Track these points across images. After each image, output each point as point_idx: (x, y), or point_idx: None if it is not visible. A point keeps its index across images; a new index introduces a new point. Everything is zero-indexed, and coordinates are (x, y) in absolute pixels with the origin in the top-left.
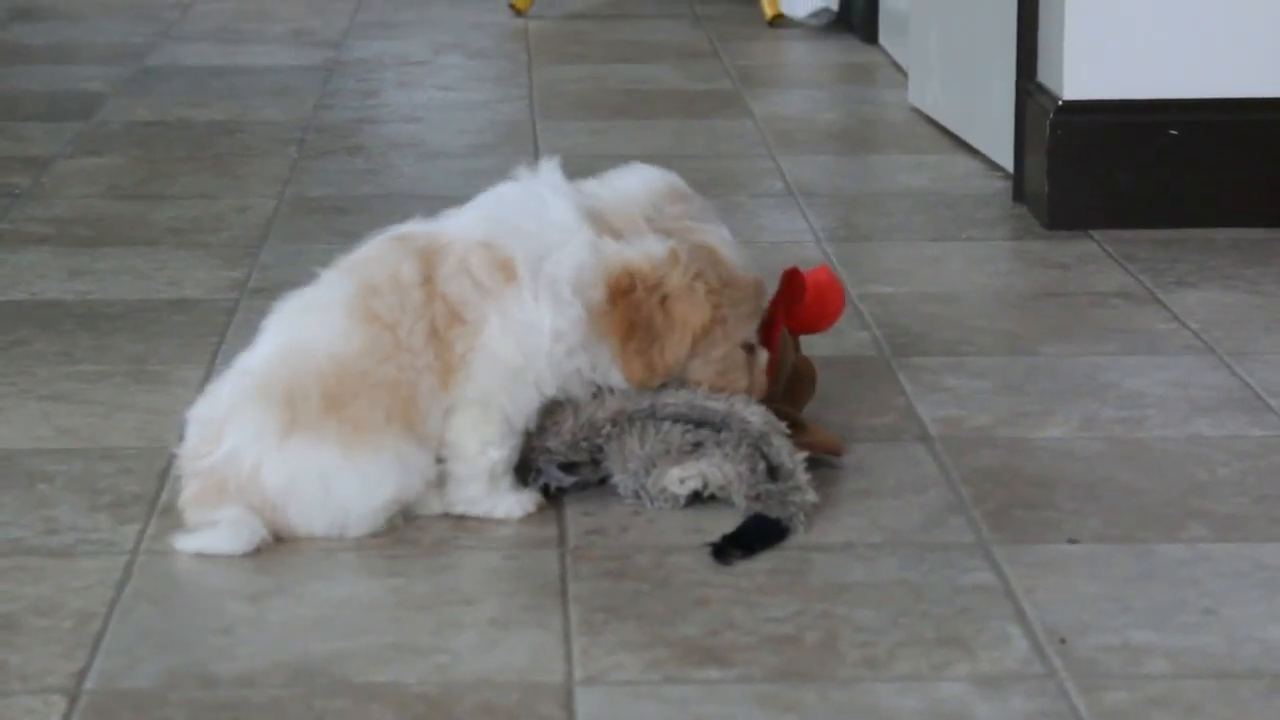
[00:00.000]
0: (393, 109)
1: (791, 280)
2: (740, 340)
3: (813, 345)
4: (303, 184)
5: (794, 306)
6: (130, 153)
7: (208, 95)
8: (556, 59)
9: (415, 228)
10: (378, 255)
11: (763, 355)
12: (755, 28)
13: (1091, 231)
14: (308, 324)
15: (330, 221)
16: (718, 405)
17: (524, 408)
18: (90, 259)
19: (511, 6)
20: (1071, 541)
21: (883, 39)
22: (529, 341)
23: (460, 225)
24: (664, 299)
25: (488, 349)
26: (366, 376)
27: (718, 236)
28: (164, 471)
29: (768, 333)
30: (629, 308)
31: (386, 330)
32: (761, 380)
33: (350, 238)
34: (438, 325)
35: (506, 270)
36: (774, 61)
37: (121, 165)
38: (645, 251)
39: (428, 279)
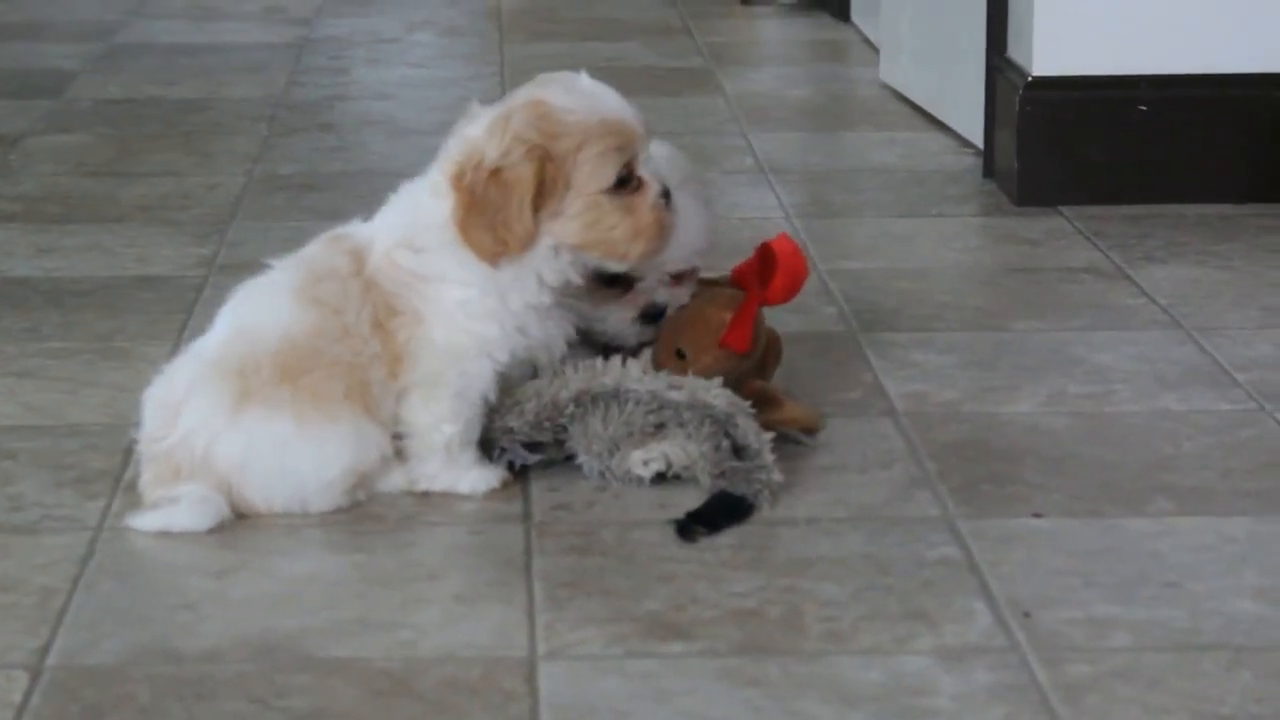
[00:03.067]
0: (364, 86)
1: (765, 255)
2: (600, 186)
3: (782, 322)
4: (273, 161)
5: (770, 281)
6: (100, 130)
7: (178, 73)
8: (528, 36)
9: (347, 229)
10: (316, 252)
11: (651, 190)
12: (727, 5)
13: (1061, 207)
14: (258, 309)
15: (300, 199)
16: (679, 395)
17: (478, 381)
18: (58, 236)
19: None
20: (1036, 516)
21: (855, 16)
22: (461, 320)
23: (379, 225)
24: (492, 172)
25: (428, 336)
26: (321, 354)
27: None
28: (130, 448)
29: (742, 307)
30: (462, 193)
31: (334, 314)
32: (650, 219)
33: (320, 215)
34: (379, 317)
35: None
36: (746, 39)
37: (91, 143)
38: (466, 138)
39: (358, 273)
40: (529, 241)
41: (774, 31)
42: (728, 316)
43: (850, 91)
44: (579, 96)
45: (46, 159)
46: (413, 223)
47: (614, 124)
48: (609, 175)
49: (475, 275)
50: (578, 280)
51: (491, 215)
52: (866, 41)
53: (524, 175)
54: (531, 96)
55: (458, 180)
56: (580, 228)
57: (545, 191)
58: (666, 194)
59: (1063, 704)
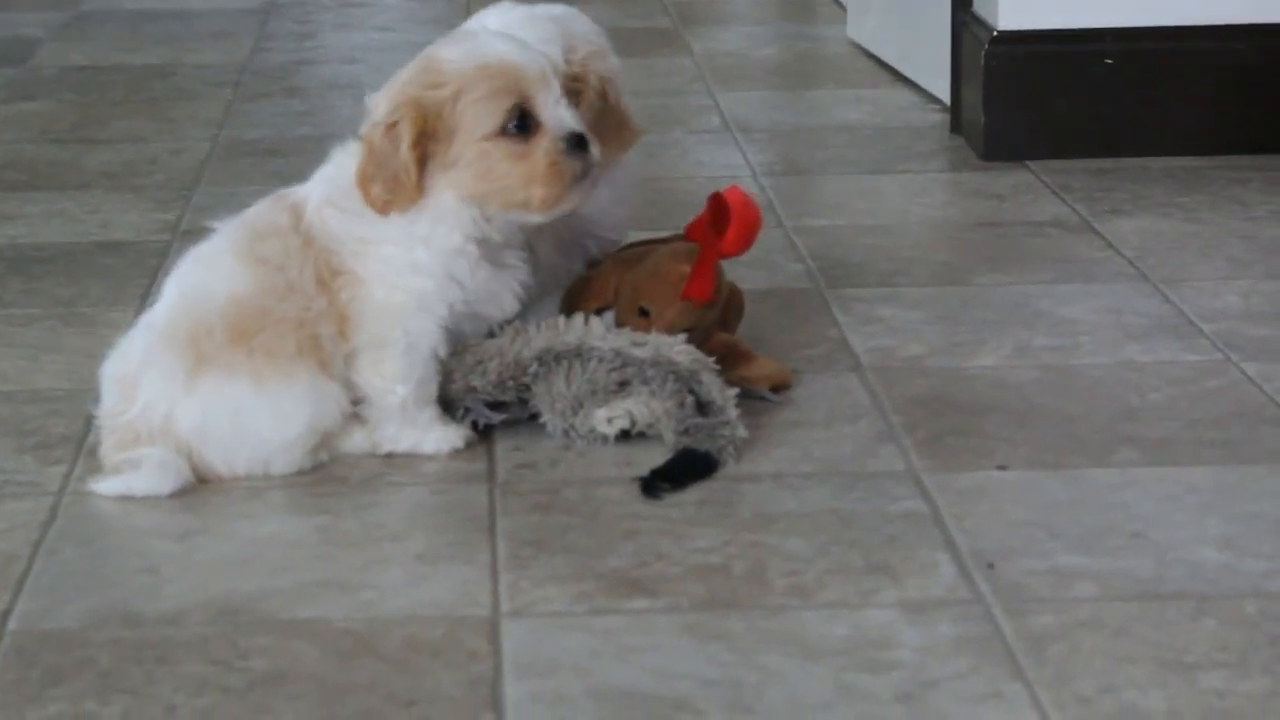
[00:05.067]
0: (330, 50)
1: (717, 205)
2: (484, 132)
3: (748, 278)
4: (238, 126)
5: (725, 231)
6: (64, 97)
7: (144, 39)
8: None
9: (288, 190)
10: (257, 211)
11: (547, 134)
12: None
13: (1027, 162)
14: (201, 272)
15: (264, 163)
16: (642, 352)
17: (424, 338)
18: (21, 203)
19: None
20: (1001, 468)
21: None
22: (394, 278)
23: (313, 183)
24: (385, 126)
25: (369, 296)
26: (269, 313)
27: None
28: (91, 414)
29: (700, 258)
30: (364, 147)
31: (277, 271)
32: (543, 164)
33: (285, 179)
34: (322, 274)
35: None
36: None
37: (55, 110)
38: (373, 101)
39: (297, 229)
40: (414, 191)
41: None
42: (687, 269)
43: (818, 49)
44: (466, 46)
45: (10, 127)
46: (337, 181)
47: (495, 68)
48: (491, 121)
49: (397, 232)
50: (497, 235)
51: (384, 167)
52: None
53: (404, 128)
54: (423, 53)
55: (364, 136)
56: (472, 176)
57: (428, 141)
58: (578, 140)
59: (1027, 655)
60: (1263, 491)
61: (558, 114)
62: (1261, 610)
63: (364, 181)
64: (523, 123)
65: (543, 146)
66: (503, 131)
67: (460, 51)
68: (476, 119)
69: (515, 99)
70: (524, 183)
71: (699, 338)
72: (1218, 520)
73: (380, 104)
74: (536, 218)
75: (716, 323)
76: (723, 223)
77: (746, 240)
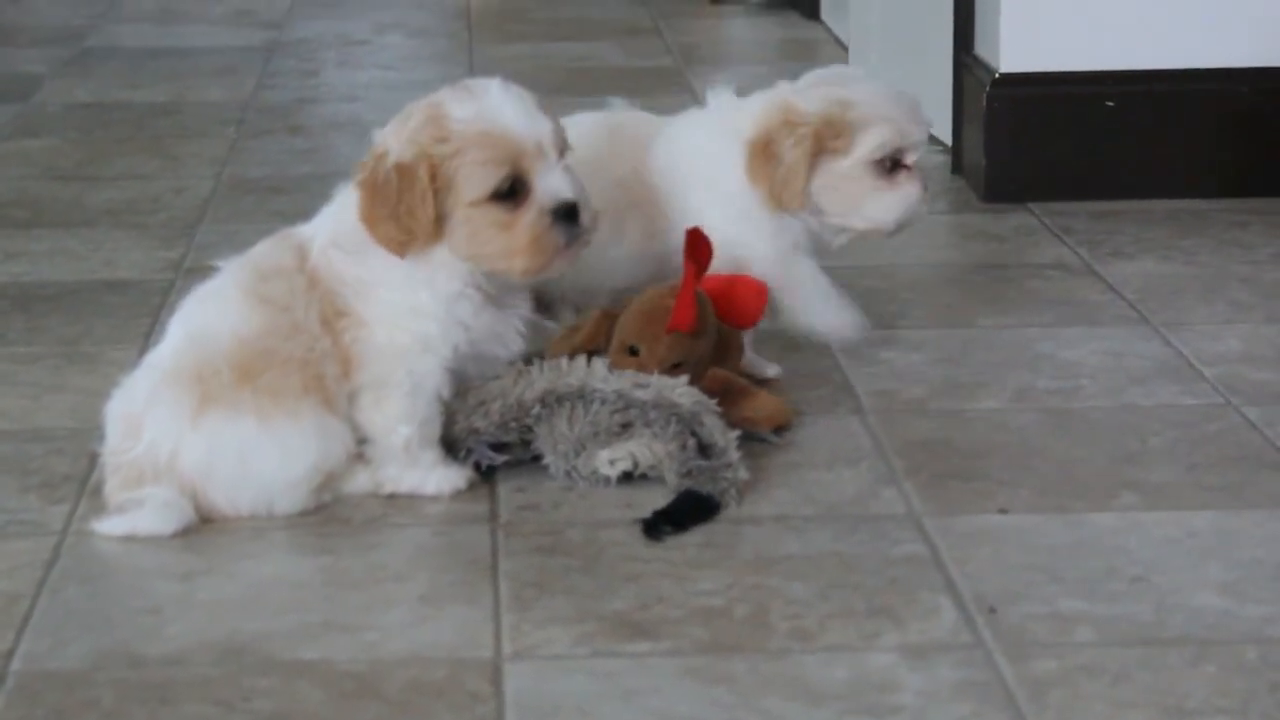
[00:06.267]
0: (333, 88)
1: (693, 237)
2: (472, 197)
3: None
4: (241, 164)
5: (704, 262)
6: (68, 134)
7: (147, 76)
8: (498, 37)
9: (292, 230)
10: (262, 250)
11: (533, 207)
12: (698, 4)
13: (1029, 204)
14: (206, 311)
15: (267, 201)
16: (644, 394)
17: (428, 379)
18: (26, 241)
19: None
20: (1003, 512)
21: (824, 14)
22: (398, 319)
23: (317, 223)
24: (393, 166)
25: (371, 338)
26: (274, 353)
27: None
28: (95, 452)
29: (680, 290)
30: (364, 186)
31: (282, 312)
32: (525, 238)
33: (287, 217)
34: (327, 314)
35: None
36: (716, 38)
37: (59, 147)
38: (380, 137)
39: (303, 269)
40: (434, 229)
41: (744, 30)
42: (672, 303)
43: None
44: (475, 105)
45: (14, 163)
46: (341, 221)
47: (496, 136)
48: (482, 186)
49: (399, 276)
50: (485, 286)
51: (394, 205)
52: (836, 40)
53: (420, 170)
54: (432, 99)
55: (361, 176)
56: (461, 238)
57: (421, 190)
58: (569, 212)
59: (1028, 700)
60: (1263, 537)
61: (550, 183)
62: (1262, 657)
63: (371, 221)
64: (513, 190)
65: (528, 218)
66: (492, 198)
67: (467, 110)
68: (469, 182)
69: (508, 168)
70: (506, 252)
71: (694, 372)
72: (1218, 565)
73: (388, 143)
74: (520, 283)
75: (712, 358)
76: (700, 253)
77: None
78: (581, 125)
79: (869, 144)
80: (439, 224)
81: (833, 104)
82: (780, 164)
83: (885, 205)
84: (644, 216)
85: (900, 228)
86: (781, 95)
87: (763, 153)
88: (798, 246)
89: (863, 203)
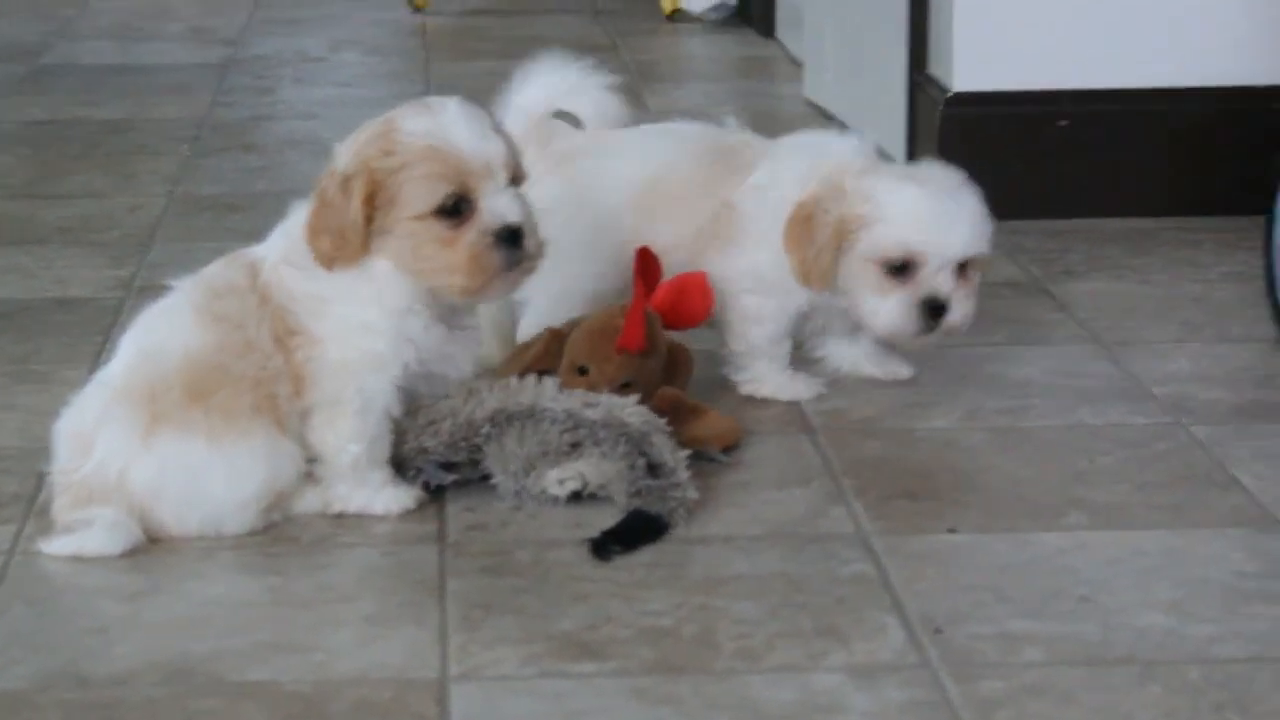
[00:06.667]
0: (289, 106)
1: (643, 257)
2: (414, 211)
3: (701, 338)
4: (195, 182)
5: (653, 281)
6: (21, 152)
7: (103, 94)
8: (454, 55)
9: (246, 249)
10: (215, 270)
11: (474, 226)
12: (654, 22)
13: None
14: (158, 330)
15: (221, 219)
16: (594, 413)
17: (378, 397)
18: None
19: (410, 3)
20: (951, 531)
21: (780, 33)
22: (348, 336)
23: (270, 241)
24: (339, 180)
25: (323, 355)
26: (226, 371)
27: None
28: (43, 472)
29: (630, 310)
30: (315, 200)
31: (235, 330)
32: (463, 256)
33: (242, 235)
34: (279, 333)
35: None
36: (672, 55)
37: (12, 164)
38: (338, 150)
39: (255, 287)
40: (359, 250)
41: (700, 48)
42: (621, 323)
43: (775, 107)
44: (427, 121)
45: None
46: (294, 238)
47: (444, 152)
48: (425, 202)
49: (349, 291)
50: (432, 304)
51: (335, 220)
52: (791, 58)
53: (358, 186)
54: (389, 114)
55: (316, 190)
56: (401, 252)
57: (372, 206)
58: (512, 236)
59: None
60: (1209, 556)
61: (495, 204)
62: (1205, 676)
63: (313, 233)
64: (457, 208)
65: (469, 237)
66: (436, 214)
67: (418, 125)
68: (412, 196)
69: (453, 186)
70: (446, 269)
71: (644, 392)
72: (1165, 585)
73: (341, 156)
74: (459, 300)
75: (661, 378)
76: (650, 273)
77: (679, 321)
78: (686, 137)
79: (868, 241)
80: (369, 237)
81: (858, 193)
82: (813, 242)
83: (872, 309)
84: (720, 240)
85: (894, 339)
86: (839, 164)
87: (802, 224)
88: (814, 317)
89: (861, 300)
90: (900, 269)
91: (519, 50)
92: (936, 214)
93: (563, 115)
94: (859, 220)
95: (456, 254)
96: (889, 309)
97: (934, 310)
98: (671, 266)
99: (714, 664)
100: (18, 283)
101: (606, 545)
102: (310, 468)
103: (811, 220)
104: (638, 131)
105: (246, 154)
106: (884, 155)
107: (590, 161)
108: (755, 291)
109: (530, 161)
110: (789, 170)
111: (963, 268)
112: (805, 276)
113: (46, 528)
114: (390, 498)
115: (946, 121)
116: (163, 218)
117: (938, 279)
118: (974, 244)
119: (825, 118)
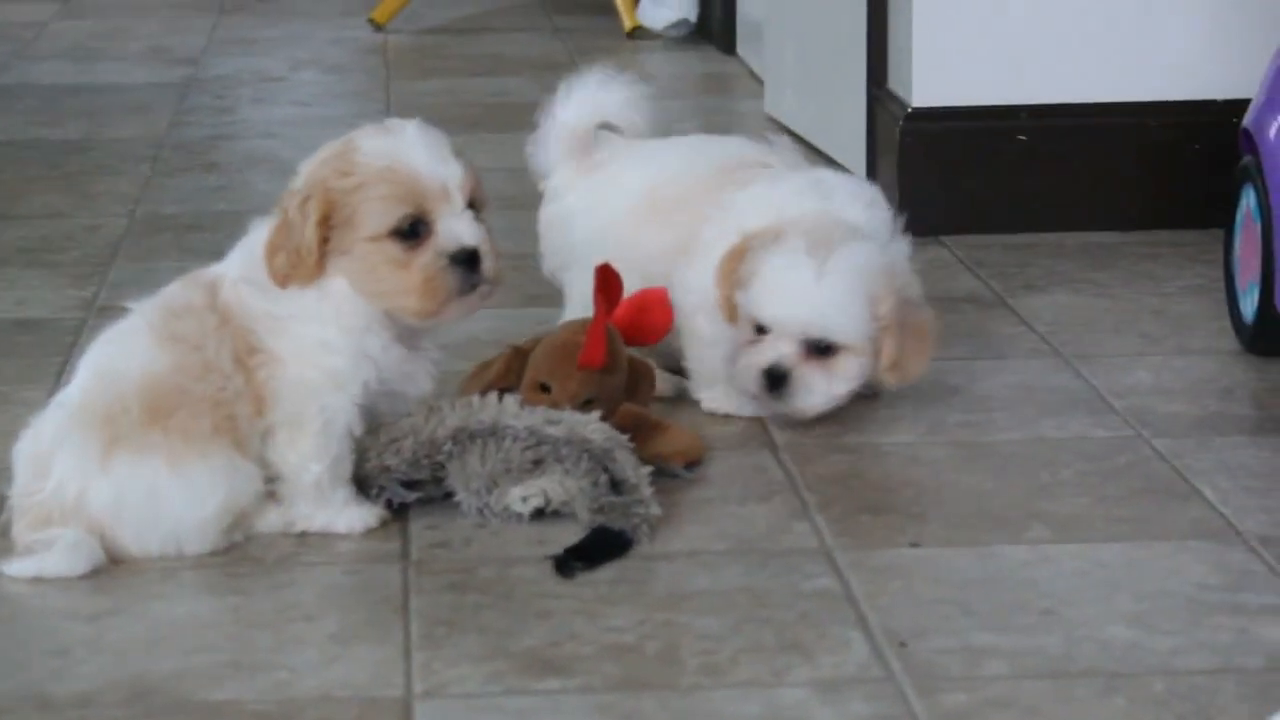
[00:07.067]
0: (249, 125)
1: (604, 273)
2: (370, 232)
3: (664, 355)
4: (155, 201)
5: (615, 298)
6: None
7: (61, 114)
8: (414, 73)
9: (203, 269)
10: (173, 290)
11: (429, 249)
12: (614, 39)
13: (942, 237)
14: (116, 351)
15: (182, 239)
16: (556, 431)
17: (339, 415)
18: None
19: (370, 21)
20: (914, 545)
21: (740, 49)
22: (309, 355)
23: (229, 260)
24: (300, 201)
25: (284, 374)
26: (185, 392)
27: None
28: (2, 494)
29: (591, 327)
30: (277, 218)
31: (193, 350)
32: (417, 278)
33: (202, 254)
34: (239, 353)
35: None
36: (633, 73)
37: None
38: (302, 168)
39: (213, 307)
40: (313, 270)
41: (661, 65)
42: (582, 339)
43: (736, 123)
44: (386, 142)
45: None
46: (253, 256)
47: (401, 174)
48: (380, 222)
49: (309, 309)
50: (389, 324)
51: (292, 239)
52: (752, 74)
53: (313, 206)
54: (348, 136)
55: (279, 207)
56: (357, 272)
57: (328, 226)
58: (469, 259)
59: None
60: (1172, 568)
61: (452, 227)
62: (1169, 688)
63: (271, 250)
64: (414, 230)
65: (423, 259)
66: (391, 235)
67: (377, 146)
68: (368, 217)
69: (410, 208)
70: (401, 291)
71: (606, 408)
72: (1127, 597)
73: (302, 175)
74: (415, 322)
75: (624, 394)
76: (611, 290)
77: (641, 337)
78: (705, 150)
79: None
80: (324, 257)
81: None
82: (730, 278)
83: (732, 360)
84: (685, 255)
85: (745, 395)
86: (802, 209)
87: (734, 258)
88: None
89: (733, 349)
90: (760, 330)
91: (479, 68)
92: (789, 288)
93: (606, 126)
94: (749, 273)
95: (411, 276)
96: (740, 365)
97: (773, 380)
98: (654, 278)
99: (678, 680)
100: None
101: (569, 562)
102: (272, 487)
103: (743, 257)
104: (661, 142)
105: (206, 174)
106: (885, 205)
107: (608, 170)
108: (706, 311)
109: (568, 177)
110: (762, 200)
111: (827, 350)
112: (723, 309)
113: (7, 550)
114: (353, 516)
115: (906, 136)
116: (123, 238)
117: (781, 349)
118: (822, 327)
119: (785, 133)
